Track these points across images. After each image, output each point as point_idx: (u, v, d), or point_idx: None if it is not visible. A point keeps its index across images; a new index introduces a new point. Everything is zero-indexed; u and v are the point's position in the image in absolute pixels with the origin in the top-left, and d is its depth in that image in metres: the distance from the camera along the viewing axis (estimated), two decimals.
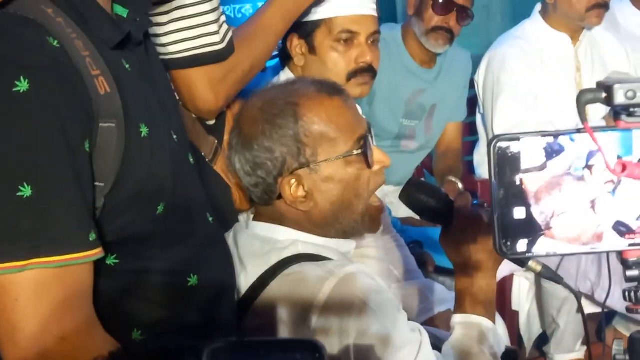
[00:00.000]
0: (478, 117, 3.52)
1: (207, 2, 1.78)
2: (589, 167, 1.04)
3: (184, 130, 1.56)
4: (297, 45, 2.39)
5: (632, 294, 1.05)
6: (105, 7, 1.35)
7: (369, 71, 2.38)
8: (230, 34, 1.84)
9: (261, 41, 1.92)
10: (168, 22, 1.75)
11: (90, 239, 1.22)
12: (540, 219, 1.04)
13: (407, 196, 1.74)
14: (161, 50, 1.74)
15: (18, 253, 1.16)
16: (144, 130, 1.34)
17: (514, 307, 3.30)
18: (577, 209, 1.04)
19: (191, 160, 1.55)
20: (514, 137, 1.04)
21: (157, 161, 1.36)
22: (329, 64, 2.37)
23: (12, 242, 1.16)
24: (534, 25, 3.38)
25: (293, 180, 1.65)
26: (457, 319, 1.67)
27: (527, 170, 1.04)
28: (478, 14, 3.36)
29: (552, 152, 1.04)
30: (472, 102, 3.57)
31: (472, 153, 3.63)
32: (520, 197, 1.04)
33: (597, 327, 3.40)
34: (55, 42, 1.22)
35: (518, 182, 1.04)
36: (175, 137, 1.46)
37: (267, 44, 1.94)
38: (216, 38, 1.79)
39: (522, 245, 1.05)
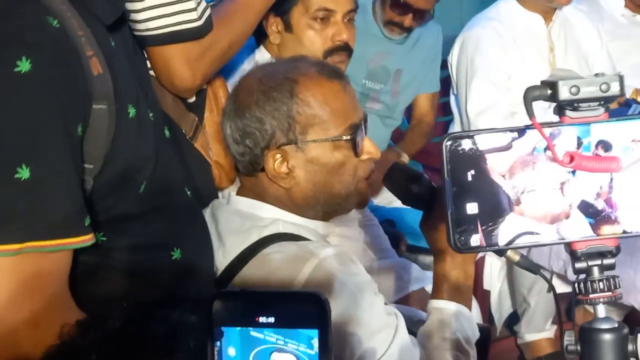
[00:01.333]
0: (452, 98, 3.53)
1: None
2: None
3: (158, 106, 1.55)
4: (273, 23, 2.38)
5: (582, 285, 1.07)
6: None
7: (345, 49, 2.38)
8: (208, 12, 1.81)
9: (240, 20, 1.90)
10: None
11: (86, 224, 1.21)
12: (511, 193, 1.05)
13: (390, 181, 1.74)
14: (138, 26, 1.72)
15: (13, 235, 1.14)
16: (132, 111, 1.33)
17: (486, 286, 3.32)
18: (546, 188, 1.05)
19: (167, 134, 1.53)
20: (466, 135, 1.05)
21: (142, 141, 1.35)
22: (305, 42, 2.36)
23: (8, 224, 1.14)
24: (507, 6, 3.38)
25: (278, 155, 1.65)
26: (433, 304, 1.67)
27: (492, 150, 1.04)
28: None
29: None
30: (446, 83, 3.58)
31: (445, 133, 3.62)
32: (473, 192, 1.05)
33: (567, 306, 3.43)
34: (55, 21, 1.20)
35: (470, 178, 1.04)
36: (151, 114, 1.45)
37: (246, 22, 1.92)
38: (193, 15, 1.76)
39: (475, 239, 1.05)
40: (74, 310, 1.23)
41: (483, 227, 1.05)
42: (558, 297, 1.63)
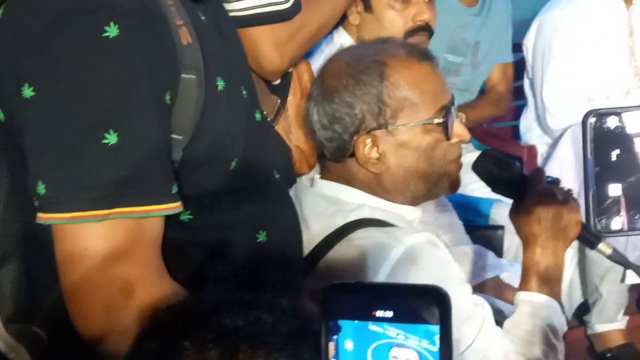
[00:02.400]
0: (526, 82, 3.48)
1: None
2: None
3: (253, 86, 1.53)
4: (352, 3, 2.34)
5: None
6: None
7: (426, 29, 2.34)
8: None
9: (327, 3, 1.88)
10: None
11: (173, 192, 1.20)
12: None
13: (480, 167, 1.71)
14: (229, 6, 1.71)
15: (101, 202, 1.12)
16: (220, 84, 1.31)
17: None
18: None
19: (258, 117, 1.52)
20: (612, 112, 1.00)
21: (232, 116, 1.33)
22: (385, 23, 2.32)
23: (96, 190, 1.12)
24: None
25: (368, 140, 1.62)
26: (521, 296, 1.64)
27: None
28: None
29: None
30: (520, 66, 3.54)
31: (519, 117, 3.58)
32: (616, 173, 1.00)
33: (638, 297, 3.37)
34: None
35: (614, 158, 1.00)
36: (245, 92, 1.44)
37: (335, 4, 1.90)
38: None
39: (617, 223, 1.01)
40: (167, 279, 1.22)
41: (628, 210, 1.00)
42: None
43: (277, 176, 1.52)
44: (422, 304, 0.76)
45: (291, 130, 1.78)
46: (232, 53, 1.45)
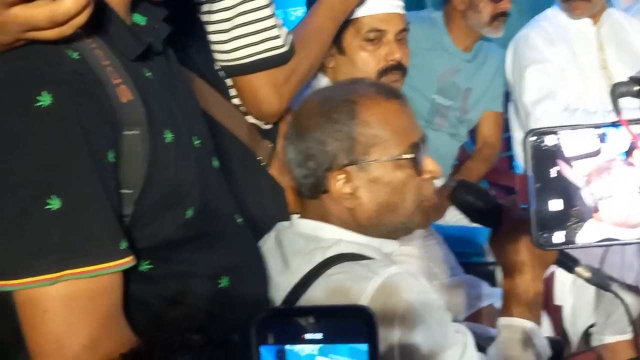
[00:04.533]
0: (510, 111, 3.55)
1: (267, 7, 1.82)
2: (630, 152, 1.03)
3: (208, 135, 1.56)
4: None
5: None
6: (124, 17, 1.34)
7: (399, 68, 2.37)
8: (290, 36, 1.86)
9: (316, 42, 1.95)
10: (231, 29, 1.78)
11: (121, 248, 1.22)
12: (588, 200, 1.03)
13: (456, 197, 1.73)
14: (225, 57, 1.77)
15: (50, 266, 1.16)
16: (169, 136, 1.34)
17: (557, 301, 3.25)
18: (625, 192, 1.03)
19: (215, 164, 1.54)
20: (550, 131, 1.03)
21: (182, 166, 1.36)
22: (358, 64, 2.36)
23: (43, 255, 1.16)
24: (555, 10, 3.50)
25: (341, 176, 1.65)
26: (502, 321, 1.64)
27: (578, 157, 1.02)
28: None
29: (603, 137, 1.03)
30: (505, 98, 3.62)
31: (509, 149, 3.64)
32: (556, 189, 1.03)
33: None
34: (75, 53, 1.22)
35: (554, 174, 1.03)
36: (197, 142, 1.46)
37: (321, 45, 1.97)
38: (279, 41, 1.82)
39: (558, 236, 1.04)
40: (128, 333, 1.25)
41: (567, 224, 1.03)
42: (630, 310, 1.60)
43: (239, 220, 1.54)
44: (351, 324, 0.78)
45: (285, 172, 1.81)
46: (182, 105, 1.47)
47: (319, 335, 0.77)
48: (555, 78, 3.30)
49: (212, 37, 1.80)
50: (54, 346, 1.17)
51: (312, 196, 1.71)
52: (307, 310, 0.80)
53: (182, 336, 0.96)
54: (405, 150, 1.65)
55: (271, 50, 1.81)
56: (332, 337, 0.77)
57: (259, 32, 1.78)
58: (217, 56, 1.82)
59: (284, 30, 1.85)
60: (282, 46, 1.82)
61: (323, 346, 0.77)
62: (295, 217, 1.77)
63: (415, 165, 1.66)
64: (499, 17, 3.37)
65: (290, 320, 0.79)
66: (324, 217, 1.70)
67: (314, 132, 1.66)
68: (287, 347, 0.78)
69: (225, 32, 1.77)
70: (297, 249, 1.68)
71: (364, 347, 0.77)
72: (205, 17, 1.85)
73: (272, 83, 1.80)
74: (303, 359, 0.78)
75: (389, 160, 1.65)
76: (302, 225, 1.72)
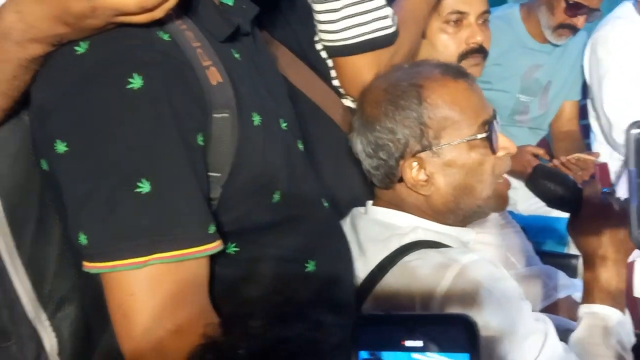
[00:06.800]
0: (589, 103, 3.50)
1: None
2: None
3: (294, 118, 1.54)
4: None
5: None
6: None
7: (480, 52, 2.32)
8: (396, 17, 1.82)
9: (413, 24, 1.92)
10: (341, 8, 1.75)
11: (210, 232, 1.21)
12: None
13: (534, 183, 1.70)
14: (332, 37, 1.75)
15: (139, 249, 1.16)
16: (256, 119, 1.32)
17: (636, 293, 3.17)
18: None
19: (300, 147, 1.53)
20: None
21: (270, 149, 1.35)
22: (439, 47, 2.31)
23: (133, 238, 1.16)
24: (628, 7, 3.41)
25: (415, 163, 1.62)
26: (584, 309, 1.61)
27: None
28: None
29: None
30: (584, 86, 3.58)
31: (587, 136, 3.58)
32: None
33: None
34: (166, 35, 1.22)
35: None
36: (284, 125, 1.45)
37: (418, 27, 1.94)
38: (388, 22, 1.79)
39: None
40: (213, 317, 1.23)
41: None
42: None
43: (326, 204, 1.53)
44: (451, 333, 0.77)
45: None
46: (270, 87, 1.46)
47: (419, 343, 0.76)
48: (635, 84, 3.24)
49: (320, 17, 1.77)
50: (139, 329, 1.17)
51: (386, 186, 1.68)
52: (407, 317, 0.79)
53: (284, 310, 0.96)
54: (478, 130, 1.62)
55: (380, 30, 1.77)
56: (431, 345, 0.76)
57: (368, 12, 1.75)
58: (324, 36, 1.79)
59: (390, 10, 1.82)
60: (390, 26, 1.78)
61: (422, 354, 0.76)
62: (369, 203, 1.75)
63: (490, 143, 1.62)
64: (566, 27, 3.31)
65: (389, 326, 0.78)
66: (399, 206, 1.67)
67: (383, 122, 1.63)
68: (384, 353, 0.77)
69: (335, 11, 1.74)
70: (372, 236, 1.65)
71: (465, 357, 0.75)
72: None
73: (377, 64, 1.76)
74: None
75: (462, 142, 1.61)
76: (377, 213, 1.69)
